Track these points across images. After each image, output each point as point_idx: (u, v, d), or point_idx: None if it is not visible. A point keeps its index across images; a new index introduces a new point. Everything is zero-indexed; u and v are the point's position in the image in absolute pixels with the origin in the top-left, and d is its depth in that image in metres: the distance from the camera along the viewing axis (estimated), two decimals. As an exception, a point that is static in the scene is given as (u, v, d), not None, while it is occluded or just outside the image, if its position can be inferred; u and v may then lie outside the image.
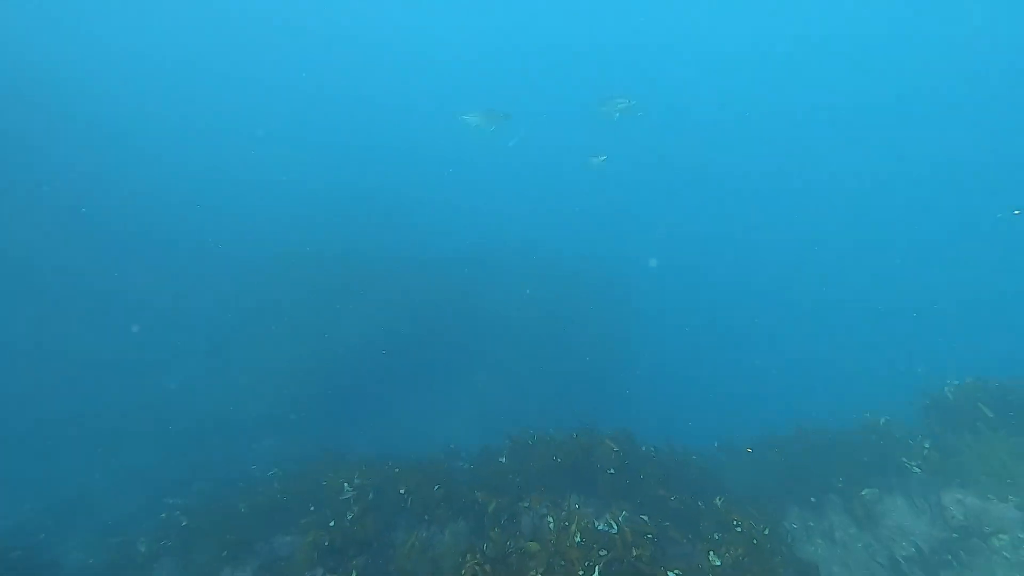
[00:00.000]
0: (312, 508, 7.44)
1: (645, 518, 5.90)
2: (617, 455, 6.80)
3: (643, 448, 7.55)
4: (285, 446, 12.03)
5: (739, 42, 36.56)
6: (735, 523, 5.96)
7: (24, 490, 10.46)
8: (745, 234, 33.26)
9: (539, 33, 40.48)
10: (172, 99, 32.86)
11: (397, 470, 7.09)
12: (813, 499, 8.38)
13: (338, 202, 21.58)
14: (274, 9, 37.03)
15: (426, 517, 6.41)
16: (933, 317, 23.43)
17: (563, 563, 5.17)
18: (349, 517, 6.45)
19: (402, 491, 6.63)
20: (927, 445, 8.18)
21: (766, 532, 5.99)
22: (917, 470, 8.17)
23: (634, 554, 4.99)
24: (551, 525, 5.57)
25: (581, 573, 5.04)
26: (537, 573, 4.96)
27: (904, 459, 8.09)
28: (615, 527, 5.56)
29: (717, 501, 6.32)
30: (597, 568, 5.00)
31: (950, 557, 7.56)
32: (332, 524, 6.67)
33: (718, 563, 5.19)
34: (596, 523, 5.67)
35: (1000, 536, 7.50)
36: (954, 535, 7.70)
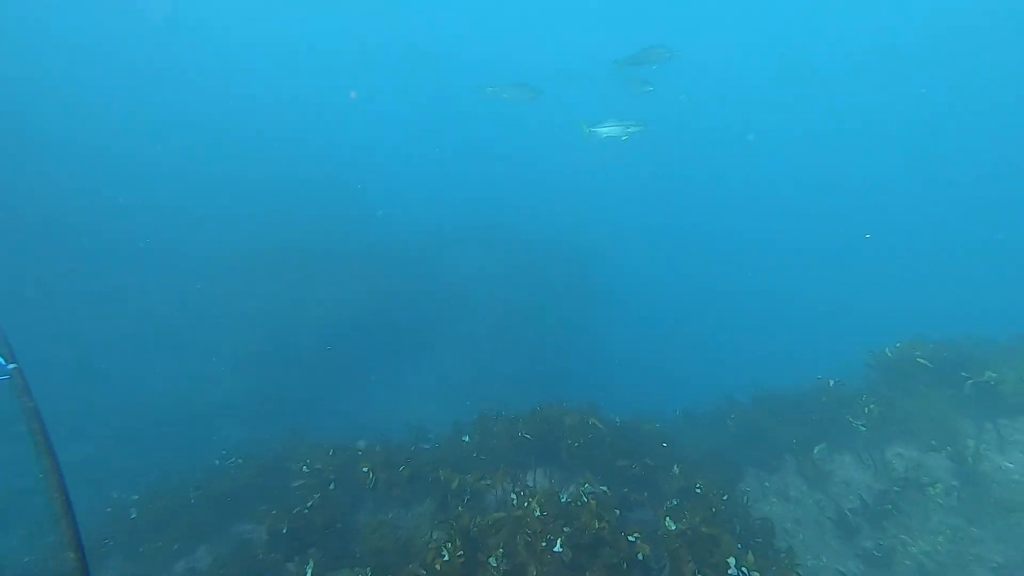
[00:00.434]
0: (272, 494, 7.20)
1: (605, 489, 5.96)
2: (581, 428, 6.82)
3: (608, 419, 7.62)
4: (248, 434, 11.61)
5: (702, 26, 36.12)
6: (696, 487, 6.11)
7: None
8: (705, 209, 34.01)
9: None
10: (111, 90, 30.01)
11: (361, 452, 6.90)
12: (769, 460, 8.74)
13: (298, 188, 20.52)
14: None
15: (392, 498, 6.29)
16: (882, 282, 24.84)
17: (526, 537, 5.17)
18: (309, 503, 6.25)
19: (365, 469, 6.44)
20: (872, 404, 8.61)
21: (725, 497, 6.16)
22: (862, 428, 8.62)
23: (597, 525, 5.02)
24: (514, 500, 5.53)
25: (544, 544, 5.05)
26: (500, 548, 4.93)
27: (851, 418, 8.49)
28: (582, 499, 5.58)
29: (675, 469, 6.44)
30: (559, 540, 5.02)
31: (891, 507, 8.08)
32: (294, 510, 6.46)
33: (673, 527, 5.29)
34: (560, 495, 5.68)
35: (935, 485, 8.08)
36: (895, 488, 8.22)
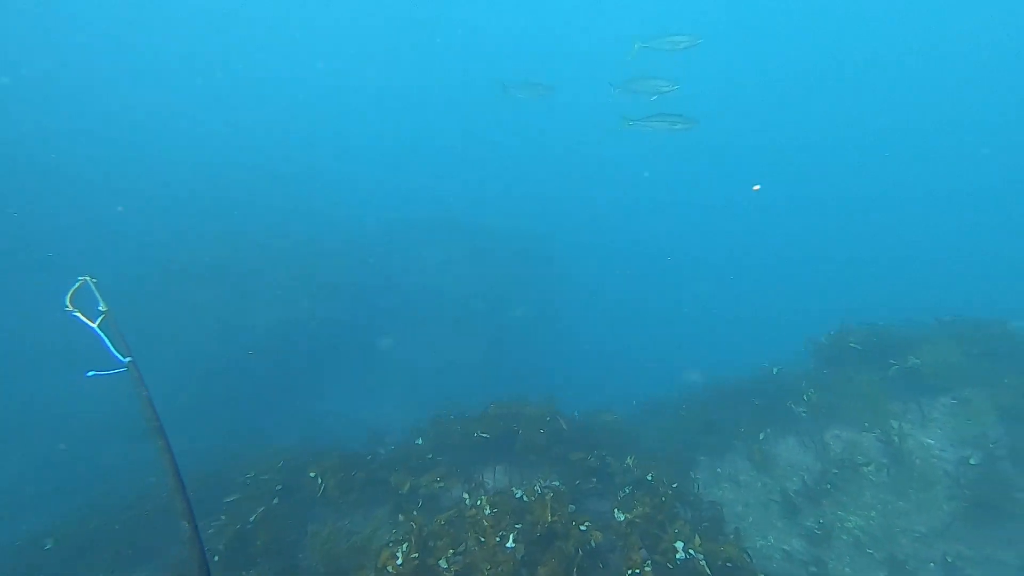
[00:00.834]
0: (214, 510, 6.74)
1: (557, 483, 5.97)
2: (538, 423, 6.82)
3: (566, 413, 7.68)
4: (188, 446, 10.83)
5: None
6: (647, 477, 6.24)
7: None
8: (662, 206, 35.22)
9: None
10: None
11: (309, 458, 6.58)
12: (720, 447, 9.07)
13: (241, 184, 19.54)
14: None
15: (347, 504, 6.02)
16: (823, 274, 26.54)
17: (478, 536, 5.09)
18: (252, 518, 5.88)
19: (312, 475, 6.14)
20: (811, 389, 9.12)
21: (674, 484, 6.32)
22: (804, 414, 9.12)
23: (550, 519, 5.01)
24: (467, 500, 5.45)
25: (497, 541, 4.99)
26: (450, 549, 4.83)
27: (791, 404, 8.96)
28: (535, 494, 5.56)
29: (629, 460, 6.56)
30: (512, 536, 4.98)
31: (829, 486, 8.59)
32: (237, 527, 6.06)
33: (622, 518, 5.36)
34: (515, 491, 5.64)
35: (868, 464, 8.66)
36: (833, 469, 8.75)
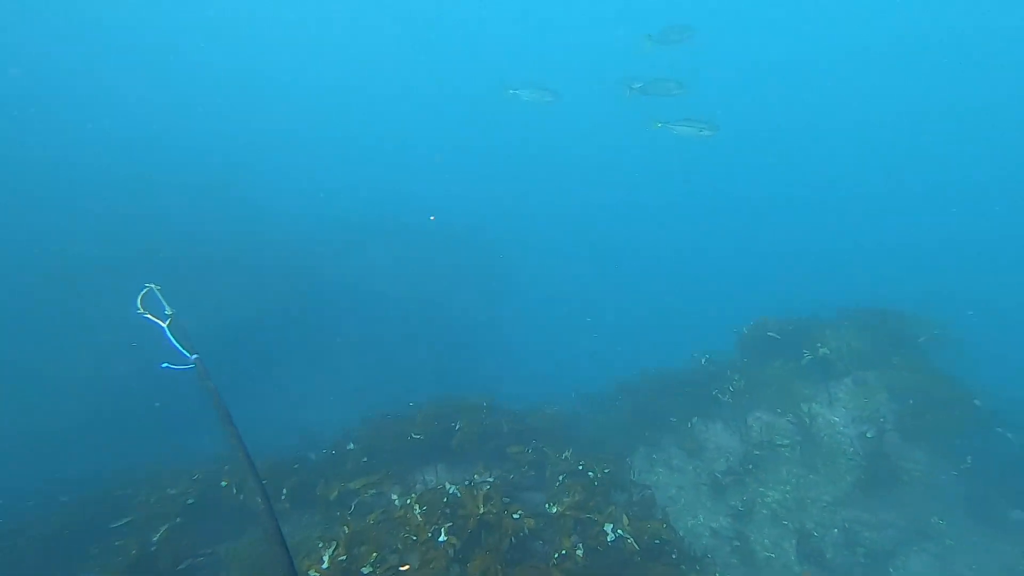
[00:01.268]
0: (112, 533, 6.12)
1: (493, 478, 6.03)
2: (476, 419, 6.85)
3: (506, 407, 7.75)
4: (97, 465, 9.80)
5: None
6: (579, 466, 6.45)
7: None
8: (600, 199, 36.41)
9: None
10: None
11: (227, 468, 6.17)
12: (655, 434, 9.53)
13: (169, 186, 17.95)
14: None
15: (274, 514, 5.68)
16: (750, 268, 28.59)
17: (409, 535, 5.02)
18: (155, 538, 5.41)
19: (224, 484, 5.76)
20: (735, 376, 9.82)
21: (606, 471, 6.56)
22: (729, 401, 9.79)
23: (482, 511, 5.04)
24: (395, 502, 5.37)
25: (428, 536, 4.95)
26: (375, 553, 4.72)
27: (717, 392, 9.60)
28: (468, 488, 5.57)
29: (567, 453, 6.74)
30: (443, 530, 4.96)
31: (752, 466, 9.29)
32: (133, 552, 5.51)
33: (554, 511, 5.51)
34: (448, 487, 5.62)
35: (784, 443, 9.46)
36: (755, 450, 9.47)
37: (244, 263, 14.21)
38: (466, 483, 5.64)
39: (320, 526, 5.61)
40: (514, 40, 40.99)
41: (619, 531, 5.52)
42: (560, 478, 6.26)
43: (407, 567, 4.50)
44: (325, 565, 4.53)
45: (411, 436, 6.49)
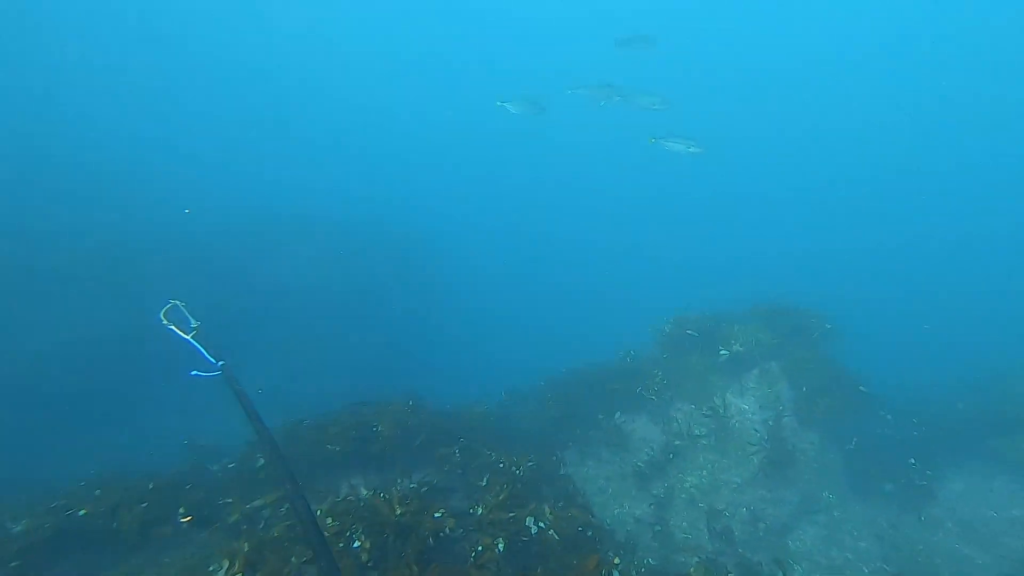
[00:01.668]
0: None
1: (412, 483, 5.89)
2: (400, 421, 6.65)
3: (433, 407, 7.61)
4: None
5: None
6: (503, 464, 6.48)
7: None
8: (527, 198, 37.21)
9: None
10: None
11: (98, 491, 5.44)
12: (583, 430, 9.82)
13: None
14: None
15: (153, 543, 5.09)
16: (673, 267, 30.50)
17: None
18: None
19: (83, 512, 5.05)
20: (658, 371, 10.38)
21: (532, 467, 6.64)
22: (652, 396, 10.33)
23: (398, 513, 4.89)
24: None
25: (341, 545, 4.72)
26: (285, 561, 4.42)
27: (642, 387, 10.10)
28: (386, 492, 5.39)
29: (494, 452, 6.73)
30: (356, 537, 4.75)
31: (672, 455, 9.87)
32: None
33: (480, 511, 5.49)
34: (363, 492, 5.40)
35: (701, 432, 10.14)
36: (676, 440, 10.06)
37: (144, 264, 12.79)
38: (385, 488, 5.45)
39: (220, 545, 5.14)
40: (458, 36, 40.65)
41: (541, 524, 5.61)
42: (486, 477, 6.25)
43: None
44: (220, 584, 4.16)
45: (327, 446, 6.14)
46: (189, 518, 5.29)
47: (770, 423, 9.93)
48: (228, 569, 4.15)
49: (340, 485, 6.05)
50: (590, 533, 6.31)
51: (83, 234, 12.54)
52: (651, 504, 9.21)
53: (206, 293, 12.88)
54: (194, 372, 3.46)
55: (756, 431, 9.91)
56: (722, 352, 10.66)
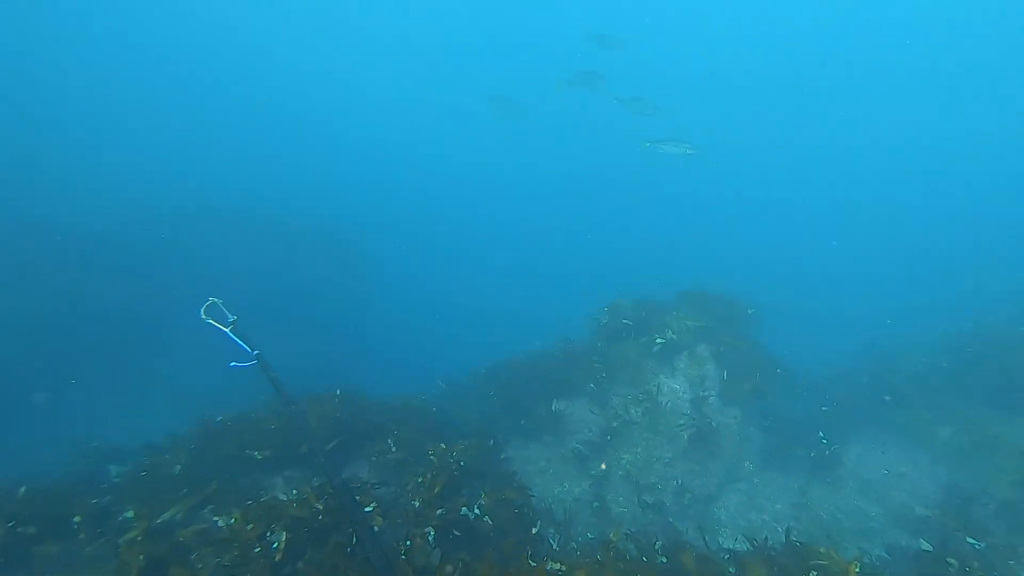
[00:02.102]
0: None
1: (346, 477, 5.78)
2: (331, 417, 6.46)
3: (367, 401, 7.46)
4: None
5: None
6: (435, 455, 6.48)
7: None
8: (469, 190, 37.31)
9: None
10: None
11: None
12: (524, 417, 10.03)
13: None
14: None
15: (41, 556, 4.63)
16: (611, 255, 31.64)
17: (240, 550, 4.57)
18: None
19: None
20: (595, 358, 10.77)
21: (471, 456, 6.69)
22: (592, 384, 10.71)
23: (317, 509, 4.78)
24: (219, 522, 4.83)
25: (259, 550, 4.56)
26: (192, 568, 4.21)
27: (581, 373, 10.45)
28: (310, 492, 5.24)
29: (427, 444, 6.71)
30: (276, 539, 4.60)
31: (610, 437, 10.32)
32: None
33: (417, 504, 5.48)
34: (281, 496, 5.22)
35: (637, 413, 10.67)
36: (614, 422, 10.52)
37: (54, 260, 11.51)
38: (310, 487, 5.30)
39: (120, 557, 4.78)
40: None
41: (477, 509, 5.70)
42: (422, 469, 6.23)
43: None
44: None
45: (247, 452, 5.86)
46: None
47: (698, 402, 10.64)
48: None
49: (264, 484, 5.80)
50: (528, 512, 6.50)
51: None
52: (590, 483, 9.61)
53: (119, 287, 11.83)
54: (233, 364, 3.74)
55: (686, 410, 10.57)
56: (658, 341, 11.25)
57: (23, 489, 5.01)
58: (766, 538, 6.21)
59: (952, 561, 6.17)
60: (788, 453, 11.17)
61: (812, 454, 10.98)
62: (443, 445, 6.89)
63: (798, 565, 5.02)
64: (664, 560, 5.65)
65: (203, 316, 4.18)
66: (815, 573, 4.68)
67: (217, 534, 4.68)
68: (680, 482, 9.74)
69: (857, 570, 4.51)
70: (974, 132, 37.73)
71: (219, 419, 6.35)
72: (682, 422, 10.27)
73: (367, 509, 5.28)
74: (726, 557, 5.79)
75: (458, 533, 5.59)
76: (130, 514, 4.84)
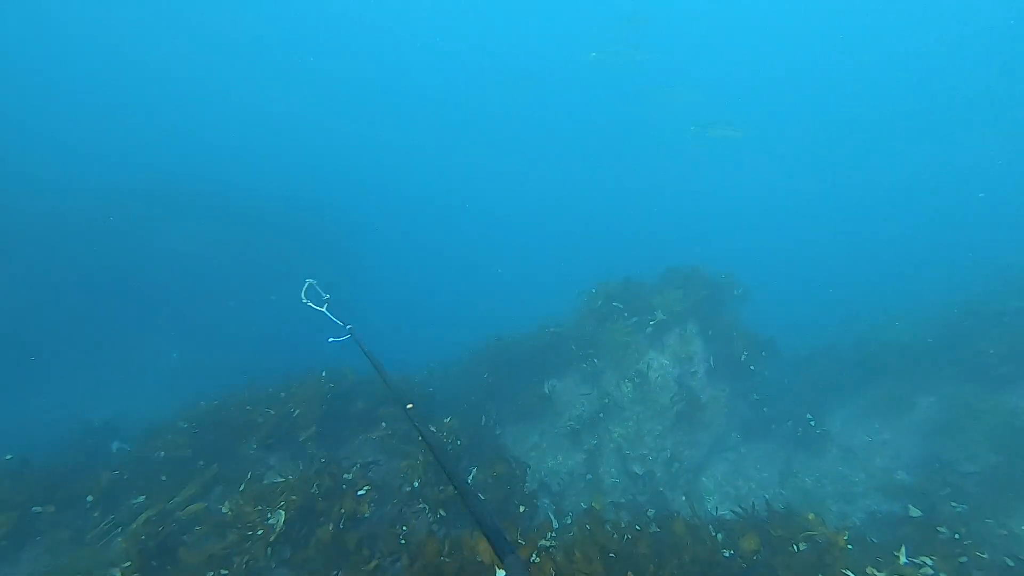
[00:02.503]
0: None
1: (336, 458, 5.86)
2: (317, 399, 6.48)
3: (353, 379, 7.49)
4: None
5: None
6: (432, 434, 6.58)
7: None
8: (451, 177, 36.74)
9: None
10: None
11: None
12: (519, 394, 10.17)
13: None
14: None
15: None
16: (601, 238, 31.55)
17: (237, 533, 4.66)
18: None
19: None
20: (587, 338, 10.89)
21: (464, 432, 6.80)
22: (584, 364, 10.84)
23: (313, 491, 4.87)
24: (224, 508, 4.89)
25: (252, 533, 4.64)
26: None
27: (575, 353, 10.58)
28: (302, 474, 5.33)
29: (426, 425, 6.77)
30: (275, 517, 4.69)
31: (602, 414, 10.52)
32: None
33: (415, 485, 5.57)
34: (278, 479, 5.30)
35: (628, 388, 10.86)
36: (605, 398, 10.71)
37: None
38: (303, 469, 5.38)
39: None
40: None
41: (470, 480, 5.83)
42: (417, 450, 6.32)
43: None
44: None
45: (245, 430, 5.90)
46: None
47: (686, 378, 10.84)
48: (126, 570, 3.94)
49: (259, 467, 5.88)
50: (519, 487, 6.66)
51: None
52: (583, 456, 9.86)
53: (95, 267, 11.54)
54: (330, 339, 3.85)
55: (675, 386, 10.78)
56: (650, 323, 11.36)
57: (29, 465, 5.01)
58: (753, 504, 6.41)
59: (942, 529, 6.23)
60: (773, 424, 11.47)
61: (796, 425, 11.30)
62: (439, 424, 6.99)
63: (788, 533, 5.09)
64: (656, 530, 5.82)
65: (303, 299, 4.29)
66: (804, 544, 4.75)
67: (221, 517, 4.75)
68: (670, 453, 10.02)
69: (845, 538, 4.65)
70: (959, 118, 37.56)
71: (215, 402, 6.36)
72: (671, 397, 10.50)
73: (360, 492, 5.37)
74: (712, 526, 5.92)
75: (443, 513, 5.69)
76: (141, 499, 4.89)
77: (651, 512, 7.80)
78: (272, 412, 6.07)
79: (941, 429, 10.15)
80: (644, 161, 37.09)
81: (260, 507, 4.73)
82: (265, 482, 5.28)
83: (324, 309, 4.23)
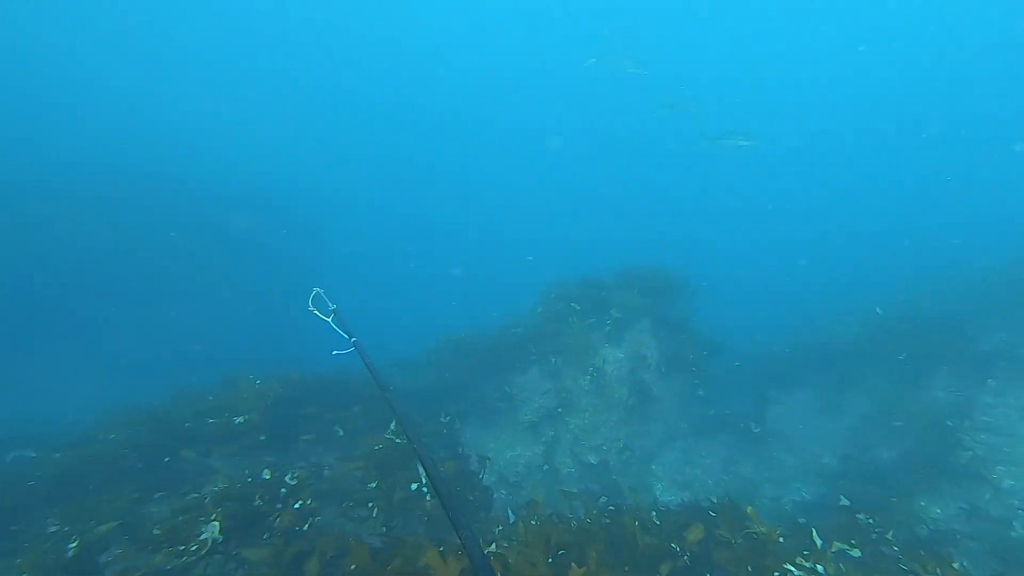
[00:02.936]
0: None
1: (286, 461, 5.63)
2: (264, 399, 6.18)
3: (310, 381, 7.22)
4: None
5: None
6: (389, 433, 6.46)
7: None
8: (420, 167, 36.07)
9: None
10: None
11: None
12: (480, 392, 10.17)
13: None
14: None
15: None
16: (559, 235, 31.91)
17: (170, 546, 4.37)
18: None
19: None
20: (545, 335, 11.02)
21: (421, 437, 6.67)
22: (542, 360, 10.95)
23: (256, 503, 4.65)
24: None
25: (186, 548, 4.38)
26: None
27: (535, 351, 10.68)
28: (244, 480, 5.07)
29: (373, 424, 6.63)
30: (211, 528, 4.44)
31: (560, 409, 10.72)
32: None
33: (373, 485, 5.43)
34: (221, 487, 5.02)
35: (585, 381, 11.11)
36: (563, 392, 10.91)
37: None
38: (251, 473, 5.12)
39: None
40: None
41: (419, 485, 5.77)
42: (367, 449, 6.17)
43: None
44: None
45: (179, 450, 5.51)
46: None
47: (640, 372, 11.23)
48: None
49: (199, 474, 5.54)
50: (476, 482, 6.68)
51: None
52: (541, 448, 10.04)
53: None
54: (335, 352, 3.79)
55: (630, 380, 11.15)
56: (607, 322, 11.61)
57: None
58: (698, 499, 6.70)
59: (861, 517, 6.75)
60: (720, 415, 12.14)
61: (741, 415, 12.00)
62: (392, 423, 6.84)
63: (731, 525, 5.34)
64: (607, 521, 5.96)
65: (310, 307, 4.21)
66: (742, 540, 5.02)
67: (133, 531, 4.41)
68: (623, 443, 10.39)
69: (779, 536, 4.98)
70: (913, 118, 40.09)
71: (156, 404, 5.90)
72: (625, 390, 10.85)
73: (301, 503, 5.16)
74: (655, 514, 6.06)
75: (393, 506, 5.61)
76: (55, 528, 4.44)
77: (603, 499, 8.07)
78: (213, 421, 5.71)
79: (865, 420, 11.10)
80: (628, 166, 37.72)
81: (191, 516, 4.46)
82: (204, 488, 4.97)
83: (330, 320, 4.16)
